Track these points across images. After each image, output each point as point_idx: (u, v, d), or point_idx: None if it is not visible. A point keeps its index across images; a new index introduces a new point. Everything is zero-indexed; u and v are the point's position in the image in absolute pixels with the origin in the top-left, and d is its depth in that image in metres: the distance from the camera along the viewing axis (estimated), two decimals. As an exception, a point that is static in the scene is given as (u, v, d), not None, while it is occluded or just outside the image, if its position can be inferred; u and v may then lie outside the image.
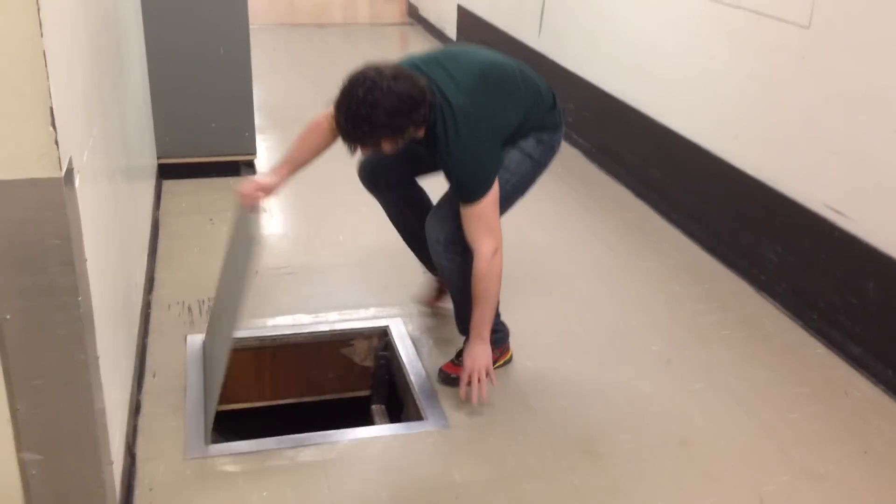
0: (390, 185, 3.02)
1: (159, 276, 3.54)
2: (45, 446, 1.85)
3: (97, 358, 1.91)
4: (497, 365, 2.97)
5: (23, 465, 1.85)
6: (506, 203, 2.81)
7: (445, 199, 2.81)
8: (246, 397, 3.21)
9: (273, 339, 3.14)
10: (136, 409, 2.68)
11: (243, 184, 2.73)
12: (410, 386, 2.93)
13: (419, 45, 8.53)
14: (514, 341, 3.14)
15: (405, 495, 2.43)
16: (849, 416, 2.85)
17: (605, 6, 4.99)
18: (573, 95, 5.41)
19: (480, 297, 2.70)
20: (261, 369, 3.21)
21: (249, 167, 4.69)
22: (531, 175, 2.90)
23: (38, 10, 1.55)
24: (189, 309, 3.29)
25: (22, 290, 1.71)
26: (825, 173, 3.26)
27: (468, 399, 2.73)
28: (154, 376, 2.89)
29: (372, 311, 3.34)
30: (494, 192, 2.64)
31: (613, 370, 3.04)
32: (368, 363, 3.29)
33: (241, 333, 3.13)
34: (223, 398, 3.14)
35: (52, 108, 1.60)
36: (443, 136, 2.54)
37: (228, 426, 3.07)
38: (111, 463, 2.03)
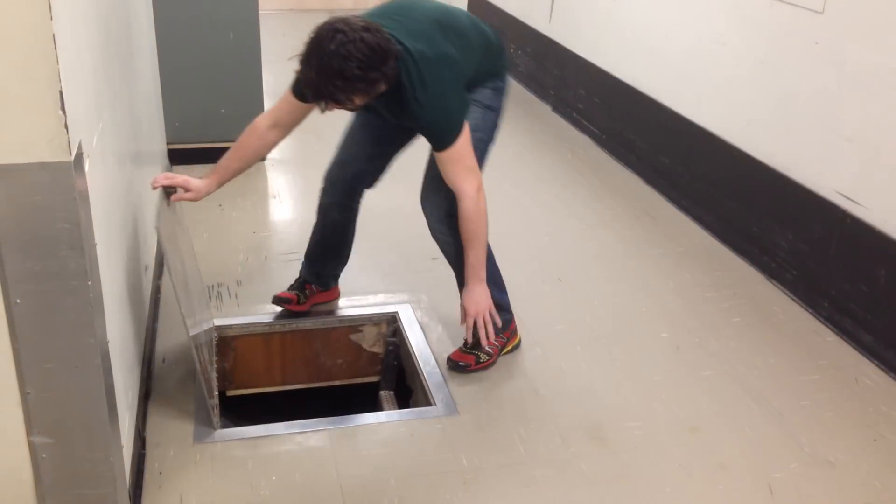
0: (372, 181, 2.97)
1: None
2: (55, 430, 1.85)
3: (107, 342, 1.91)
4: (506, 351, 2.97)
5: (33, 449, 1.86)
6: (482, 159, 2.79)
7: (430, 177, 2.79)
8: (255, 382, 3.22)
9: (282, 324, 3.15)
10: (145, 394, 2.69)
11: (166, 176, 2.63)
12: (419, 372, 2.94)
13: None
14: (523, 327, 3.14)
15: (414, 481, 2.43)
16: (859, 404, 2.84)
17: (616, -9, 4.96)
18: (584, 82, 5.39)
19: (472, 237, 2.68)
20: (270, 355, 3.21)
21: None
22: (495, 124, 2.88)
23: (48, -7, 1.55)
24: (198, 294, 3.29)
25: (32, 275, 1.71)
26: (838, 160, 3.23)
27: (474, 342, 2.77)
28: (163, 361, 2.90)
29: (381, 297, 3.34)
30: (467, 133, 2.60)
31: (622, 357, 3.04)
32: (377, 349, 3.29)
33: (251, 319, 3.14)
34: (232, 384, 3.17)
35: (61, 92, 1.60)
36: (408, 85, 2.47)
37: (238, 411, 3.09)
38: (121, 447, 2.04)
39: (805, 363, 3.05)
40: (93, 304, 1.77)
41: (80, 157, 1.74)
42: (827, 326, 3.27)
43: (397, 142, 2.91)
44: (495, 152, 5.25)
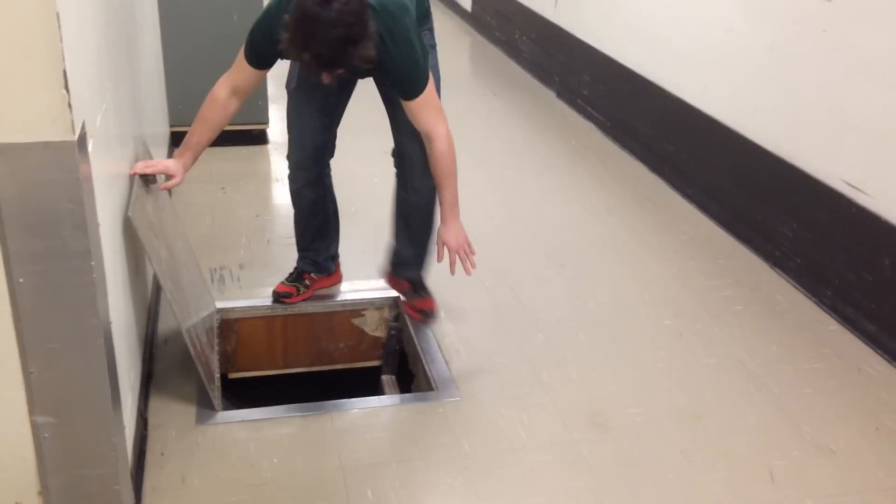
0: (332, 149, 3.01)
1: (172, 243, 3.54)
2: (57, 410, 1.85)
3: (109, 322, 1.91)
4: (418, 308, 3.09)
5: (35, 428, 1.86)
6: (440, 99, 2.80)
7: (405, 131, 2.83)
8: (257, 365, 3.22)
9: (284, 308, 3.14)
10: (147, 375, 2.69)
11: (145, 164, 2.60)
12: (421, 357, 2.94)
13: (434, 16, 8.44)
14: (525, 313, 3.14)
15: (415, 465, 2.43)
16: (861, 392, 2.84)
17: (622, -23, 4.93)
18: (589, 68, 5.37)
19: (448, 175, 2.73)
20: (272, 338, 3.22)
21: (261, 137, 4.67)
22: (437, 63, 2.98)
23: (52, -29, 1.54)
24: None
25: (35, 254, 1.71)
26: (844, 149, 3.22)
27: (455, 274, 2.78)
28: (166, 343, 2.90)
29: (383, 281, 3.34)
30: (431, 77, 2.68)
31: (625, 344, 3.04)
32: (379, 333, 3.29)
33: (253, 302, 3.14)
34: (234, 366, 3.17)
35: (65, 71, 1.59)
36: (379, 40, 2.47)
37: (239, 394, 3.09)
38: (123, 427, 2.04)
39: (808, 351, 3.04)
40: (96, 285, 1.77)
41: (83, 137, 1.73)
42: (830, 315, 3.27)
43: (341, 105, 2.94)
44: (500, 139, 5.25)
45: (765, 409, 2.72)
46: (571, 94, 5.63)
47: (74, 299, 1.76)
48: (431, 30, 2.95)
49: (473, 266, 2.81)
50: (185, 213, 3.79)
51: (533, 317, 3.15)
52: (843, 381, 2.89)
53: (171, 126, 4.51)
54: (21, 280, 1.72)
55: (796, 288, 3.45)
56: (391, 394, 3.24)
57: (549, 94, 5.92)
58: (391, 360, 3.31)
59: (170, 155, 4.33)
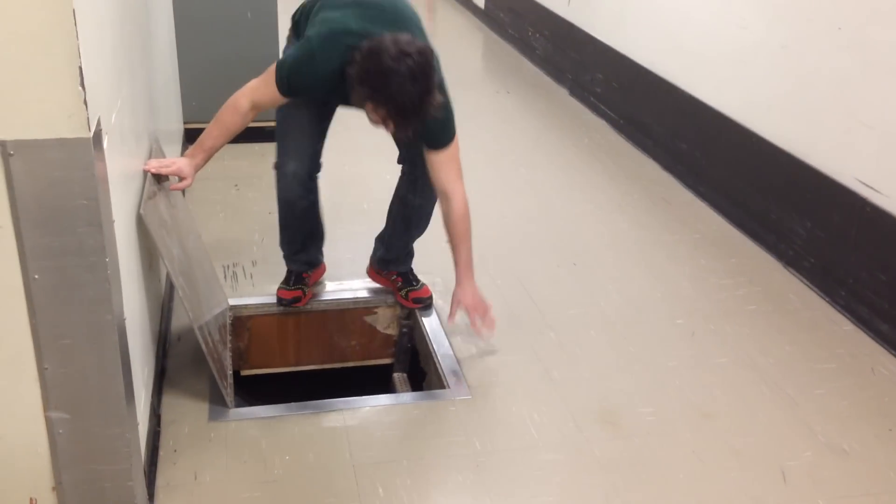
0: (321, 158, 2.96)
1: (185, 240, 3.55)
2: (72, 405, 1.87)
3: (124, 319, 1.92)
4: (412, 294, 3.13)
5: (50, 424, 1.87)
6: None
7: (401, 190, 2.93)
8: (269, 363, 3.23)
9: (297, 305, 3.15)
10: (161, 372, 2.71)
11: (159, 164, 2.61)
12: (433, 354, 2.94)
13: (447, 13, 8.47)
14: (537, 311, 3.14)
15: (426, 463, 2.44)
16: (875, 393, 2.82)
17: (636, -25, 4.92)
18: (602, 65, 5.35)
19: (465, 235, 2.79)
20: (284, 335, 3.22)
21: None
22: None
23: (68, -31, 1.55)
24: (214, 273, 3.30)
25: (50, 250, 1.72)
26: (858, 147, 3.20)
27: (482, 333, 2.89)
28: (179, 339, 2.91)
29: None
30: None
31: (637, 342, 3.03)
32: (391, 331, 3.30)
33: (266, 299, 3.15)
34: (246, 364, 3.18)
35: (81, 68, 1.60)
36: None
37: (252, 391, 3.10)
38: (137, 423, 2.05)
39: (821, 351, 3.03)
40: (110, 281, 1.78)
41: (98, 133, 1.74)
42: (843, 315, 3.25)
43: (331, 115, 2.93)
44: (512, 135, 5.25)
45: (777, 409, 2.71)
46: (584, 91, 5.61)
47: (89, 295, 1.77)
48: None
49: (493, 326, 2.88)
50: (199, 211, 3.80)
51: (544, 315, 3.15)
52: (856, 382, 2.87)
53: (185, 123, 4.52)
54: (36, 276, 1.73)
55: (810, 287, 3.43)
56: (403, 391, 3.24)
57: (562, 92, 5.91)
58: (403, 357, 3.32)
59: (183, 152, 4.34)
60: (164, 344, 2.86)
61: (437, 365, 2.88)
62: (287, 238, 3.08)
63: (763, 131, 3.76)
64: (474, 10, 8.19)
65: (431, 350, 2.96)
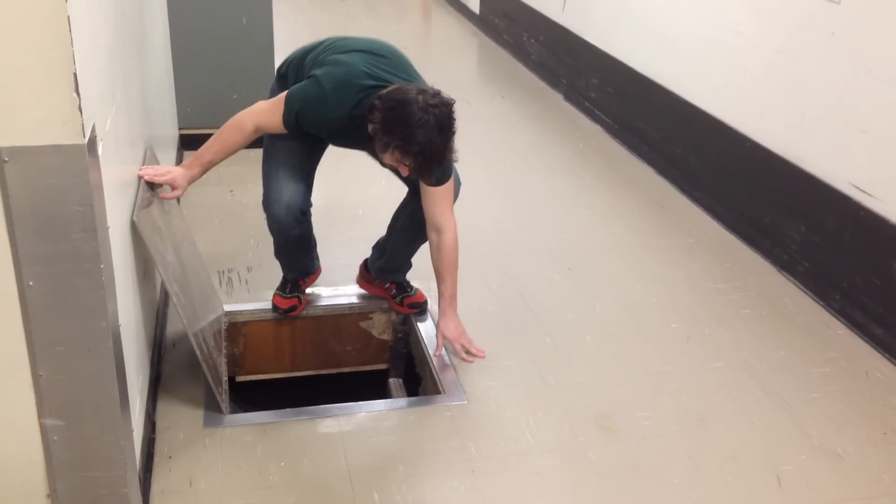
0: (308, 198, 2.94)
1: (180, 246, 3.55)
2: (66, 412, 1.86)
3: (119, 325, 1.92)
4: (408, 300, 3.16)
5: (44, 431, 1.87)
6: None
7: (410, 204, 2.92)
8: (265, 369, 3.23)
9: (292, 310, 3.15)
10: (156, 378, 2.70)
11: (154, 171, 2.61)
12: (428, 360, 2.94)
13: (441, 18, 8.48)
14: (532, 316, 3.14)
15: (422, 468, 2.43)
16: (869, 397, 2.83)
17: (630, -20, 4.93)
18: (597, 71, 5.36)
19: (453, 268, 2.85)
20: (280, 341, 3.22)
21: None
22: None
23: (63, -24, 1.55)
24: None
25: (45, 257, 1.71)
26: (852, 152, 3.22)
27: (471, 359, 2.91)
28: (174, 346, 2.91)
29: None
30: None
31: (632, 347, 3.03)
32: (387, 337, 3.30)
33: (261, 305, 3.15)
34: (241, 369, 3.18)
35: (76, 75, 1.60)
36: None
37: (247, 397, 3.10)
38: (131, 430, 2.05)
39: (815, 355, 3.04)
40: (105, 287, 1.78)
41: (93, 140, 1.74)
42: (838, 319, 3.26)
43: (322, 153, 2.95)
44: (507, 141, 5.25)
45: (772, 413, 2.72)
46: (579, 96, 5.63)
47: (84, 302, 1.77)
48: None
49: (482, 353, 2.92)
50: (194, 216, 3.80)
51: (540, 320, 3.15)
52: (850, 386, 2.88)
53: (180, 129, 4.52)
54: (31, 283, 1.73)
55: (804, 292, 3.44)
56: (398, 397, 3.24)
57: (557, 97, 5.92)
58: (398, 363, 3.32)
59: (179, 158, 4.34)
60: (159, 350, 2.86)
61: (433, 370, 2.88)
62: (282, 260, 3.09)
63: (757, 136, 3.77)
64: (469, 15, 8.21)
65: (427, 355, 2.96)
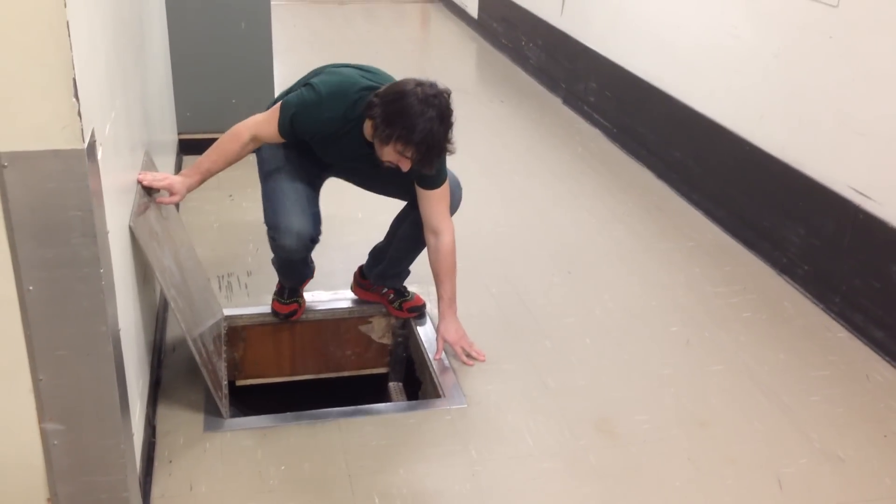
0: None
1: (179, 250, 3.55)
2: (66, 417, 1.86)
3: (118, 330, 1.92)
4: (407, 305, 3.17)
5: (45, 435, 1.87)
6: None
7: (410, 214, 2.94)
8: (265, 373, 3.23)
9: (292, 314, 3.15)
10: (156, 382, 2.70)
11: (153, 178, 2.60)
12: (428, 363, 2.94)
13: (440, 23, 8.49)
14: (532, 320, 3.15)
15: (422, 472, 2.43)
16: (869, 399, 2.83)
17: (628, -16, 4.94)
18: (595, 74, 5.37)
19: (452, 271, 2.87)
20: (279, 345, 3.22)
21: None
22: None
23: (62, -19, 1.55)
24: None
25: (44, 262, 1.71)
26: (851, 155, 3.22)
27: (471, 363, 2.92)
28: (174, 350, 2.91)
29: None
30: None
31: (632, 351, 3.03)
32: (386, 340, 3.30)
33: (262, 310, 3.15)
34: (241, 374, 3.17)
35: (75, 80, 1.60)
36: None
37: (247, 401, 3.10)
38: (132, 434, 2.05)
39: (815, 358, 3.04)
40: (105, 292, 1.78)
41: (92, 145, 1.75)
42: (838, 322, 3.26)
43: (321, 184, 2.97)
44: (506, 145, 5.26)
45: (772, 417, 2.72)
46: (578, 100, 5.63)
47: (83, 307, 1.77)
48: None
49: (482, 356, 2.93)
50: (193, 221, 3.80)
51: (540, 323, 3.15)
52: (851, 389, 2.88)
53: (180, 133, 4.52)
54: (30, 288, 1.73)
55: (804, 295, 3.44)
56: (398, 401, 3.24)
57: (556, 101, 5.92)
58: (398, 366, 3.32)
59: (178, 163, 4.35)
60: (159, 354, 2.85)
61: (433, 374, 2.88)
62: (282, 273, 3.07)
63: (756, 139, 3.77)
64: (468, 19, 8.22)
65: (426, 359, 2.96)
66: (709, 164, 4.16)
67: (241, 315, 3.13)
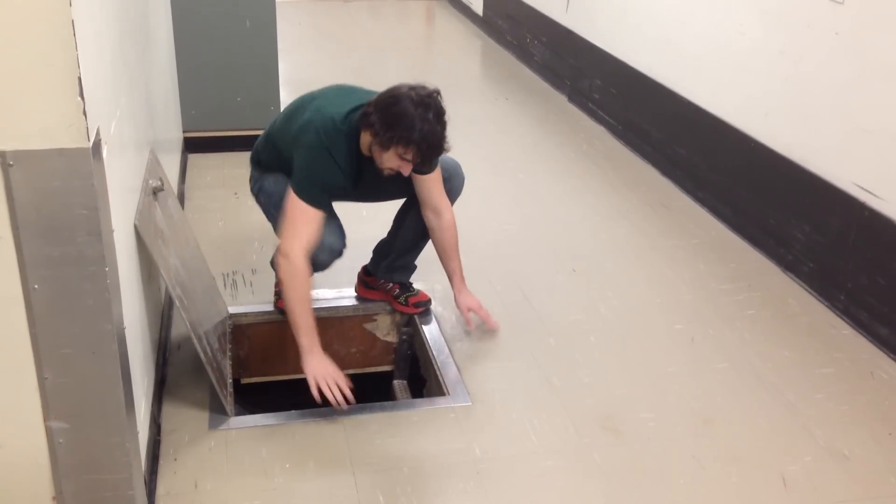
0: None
1: (184, 248, 3.56)
2: (71, 415, 1.87)
3: (123, 328, 1.92)
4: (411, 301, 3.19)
5: (50, 434, 1.87)
6: None
7: (413, 206, 2.98)
8: (269, 371, 3.23)
9: (297, 312, 3.15)
10: (161, 380, 2.71)
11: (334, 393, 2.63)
12: (433, 361, 2.94)
13: (445, 21, 8.49)
14: (537, 317, 3.15)
15: (426, 470, 2.44)
16: (874, 397, 2.83)
17: (633, -19, 4.93)
18: (600, 71, 5.36)
19: (456, 244, 2.98)
20: (284, 343, 3.22)
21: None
22: None
23: (67, -21, 1.55)
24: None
25: (50, 260, 1.72)
26: (856, 152, 3.21)
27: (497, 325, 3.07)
28: (179, 348, 2.92)
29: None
30: None
31: (636, 348, 3.03)
32: (391, 338, 3.30)
33: (267, 308, 3.15)
34: (246, 371, 3.18)
35: (80, 78, 1.60)
36: None
37: (252, 399, 3.10)
38: (137, 432, 2.05)
39: (820, 356, 3.03)
40: (110, 290, 1.78)
41: (98, 143, 1.75)
42: (843, 319, 3.25)
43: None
44: (511, 143, 5.25)
45: (777, 414, 2.71)
46: (583, 97, 5.63)
47: (89, 305, 1.77)
48: None
49: (497, 326, 3.06)
50: (198, 219, 3.81)
51: (544, 321, 3.15)
52: (855, 386, 2.87)
53: (185, 132, 4.53)
54: (36, 286, 1.74)
55: (809, 292, 3.44)
56: (403, 398, 3.24)
57: (561, 98, 5.92)
58: (403, 364, 3.32)
59: (182, 161, 4.35)
60: (164, 352, 2.86)
61: (437, 372, 2.88)
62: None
63: (761, 136, 3.76)
64: (472, 16, 8.21)
65: (431, 357, 2.96)
66: (714, 161, 4.15)
67: (247, 313, 3.14)
